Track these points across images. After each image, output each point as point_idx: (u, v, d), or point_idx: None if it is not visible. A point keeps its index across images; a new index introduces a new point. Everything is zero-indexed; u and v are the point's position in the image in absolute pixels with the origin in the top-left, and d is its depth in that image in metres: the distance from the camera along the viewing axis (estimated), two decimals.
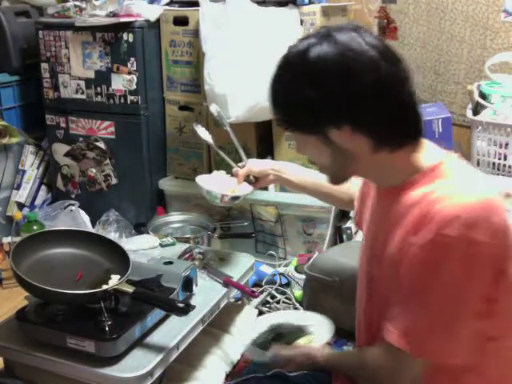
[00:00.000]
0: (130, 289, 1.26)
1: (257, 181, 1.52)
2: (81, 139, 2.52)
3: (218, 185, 1.51)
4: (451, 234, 0.87)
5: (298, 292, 2.03)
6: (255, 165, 1.52)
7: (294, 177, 1.49)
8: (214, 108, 1.70)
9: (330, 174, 1.06)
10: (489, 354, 0.97)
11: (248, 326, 1.72)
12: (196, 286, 1.49)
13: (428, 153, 1.00)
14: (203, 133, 1.69)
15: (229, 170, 1.59)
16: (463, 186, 0.94)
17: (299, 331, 1.56)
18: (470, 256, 0.89)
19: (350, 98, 0.92)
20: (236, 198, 1.50)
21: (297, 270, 2.15)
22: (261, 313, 1.91)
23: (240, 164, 1.55)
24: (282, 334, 1.54)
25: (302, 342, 1.48)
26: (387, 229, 1.00)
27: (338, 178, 1.07)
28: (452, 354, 0.93)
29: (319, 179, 1.44)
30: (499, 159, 2.18)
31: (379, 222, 1.06)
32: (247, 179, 1.51)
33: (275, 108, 1.01)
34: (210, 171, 2.45)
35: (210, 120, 2.34)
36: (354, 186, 1.29)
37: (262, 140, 2.38)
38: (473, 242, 0.88)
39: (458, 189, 0.93)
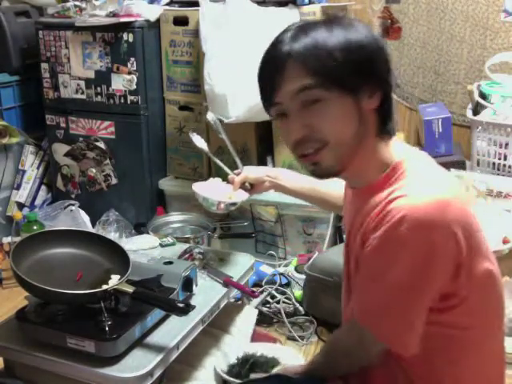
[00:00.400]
0: (130, 289, 1.26)
1: (252, 188, 1.53)
2: (81, 139, 2.52)
3: (213, 192, 1.51)
4: (401, 232, 0.91)
5: (297, 292, 2.04)
6: (251, 171, 1.53)
7: (290, 183, 1.50)
8: (210, 116, 1.71)
9: (336, 156, 1.01)
10: (463, 344, 1.01)
11: (248, 326, 1.72)
12: (196, 286, 1.49)
13: (394, 149, 1.04)
14: (199, 141, 1.70)
15: (225, 175, 1.59)
16: (418, 185, 0.97)
17: (272, 360, 1.57)
18: (420, 253, 0.92)
19: (388, 70, 1.00)
20: (232, 204, 1.51)
21: (297, 270, 2.15)
22: (261, 313, 1.91)
23: (236, 171, 1.56)
24: (256, 364, 1.55)
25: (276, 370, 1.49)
26: (356, 229, 1.06)
27: (339, 164, 1.02)
28: (404, 338, 0.98)
29: (316, 185, 1.47)
30: (499, 159, 2.18)
31: (351, 223, 1.10)
32: (243, 186, 1.52)
33: (324, 61, 0.96)
34: (209, 171, 2.46)
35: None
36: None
37: (262, 140, 2.38)
38: (423, 240, 0.92)
39: (412, 189, 0.96)
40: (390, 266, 0.95)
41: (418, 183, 0.98)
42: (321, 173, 1.05)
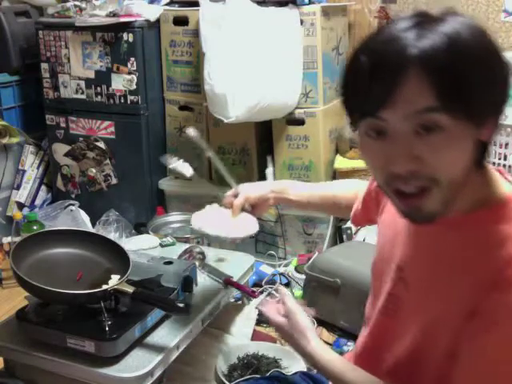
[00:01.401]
0: (130, 289, 1.26)
1: (254, 208, 1.31)
2: (81, 139, 2.52)
3: (218, 222, 1.29)
4: None
5: (298, 292, 2.04)
6: (251, 191, 1.30)
7: (298, 195, 1.32)
8: (191, 132, 1.51)
9: (443, 199, 0.77)
10: None
11: (248, 326, 1.72)
12: (196, 285, 1.49)
13: (490, 178, 0.82)
14: (197, 140, 1.45)
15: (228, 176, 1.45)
16: None
17: (273, 363, 1.56)
18: None
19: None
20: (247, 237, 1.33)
21: (297, 269, 2.15)
22: (261, 313, 1.91)
23: (230, 192, 1.32)
24: (257, 368, 1.54)
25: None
26: (436, 263, 0.84)
27: (444, 207, 0.78)
28: None
29: (325, 191, 1.33)
30: (499, 159, 2.18)
31: (419, 249, 0.88)
32: (244, 209, 1.30)
33: (469, 88, 0.71)
34: (210, 171, 2.46)
35: (210, 120, 2.35)
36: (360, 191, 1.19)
37: (262, 140, 2.38)
38: None
39: None
40: None
41: None
42: (418, 219, 0.80)
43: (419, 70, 0.70)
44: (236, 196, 1.29)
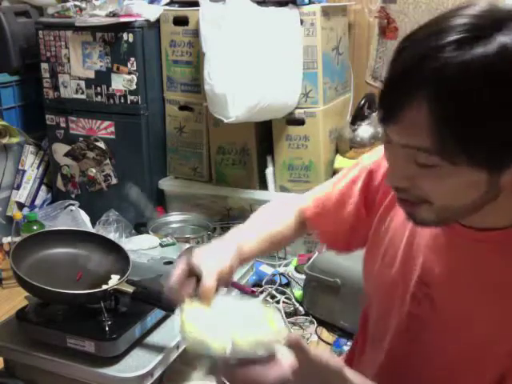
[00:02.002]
0: (129, 289, 1.26)
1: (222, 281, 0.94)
2: (81, 139, 2.52)
3: (213, 322, 0.84)
4: None
5: (298, 292, 2.04)
6: (219, 264, 0.92)
7: (253, 249, 1.04)
8: (133, 192, 1.34)
9: (438, 216, 0.72)
10: None
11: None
12: None
13: None
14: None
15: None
16: None
17: None
18: None
19: None
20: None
21: (297, 269, 2.15)
22: None
23: (179, 272, 0.94)
24: None
25: None
26: (477, 284, 0.77)
27: (443, 222, 0.74)
28: None
29: (273, 229, 1.09)
30: None
31: (453, 267, 0.80)
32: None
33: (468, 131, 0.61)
34: (210, 171, 2.46)
35: (210, 120, 2.35)
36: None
37: (262, 140, 2.38)
38: None
39: None
40: None
41: None
42: (416, 223, 0.76)
43: (426, 101, 0.61)
44: (193, 274, 0.91)
